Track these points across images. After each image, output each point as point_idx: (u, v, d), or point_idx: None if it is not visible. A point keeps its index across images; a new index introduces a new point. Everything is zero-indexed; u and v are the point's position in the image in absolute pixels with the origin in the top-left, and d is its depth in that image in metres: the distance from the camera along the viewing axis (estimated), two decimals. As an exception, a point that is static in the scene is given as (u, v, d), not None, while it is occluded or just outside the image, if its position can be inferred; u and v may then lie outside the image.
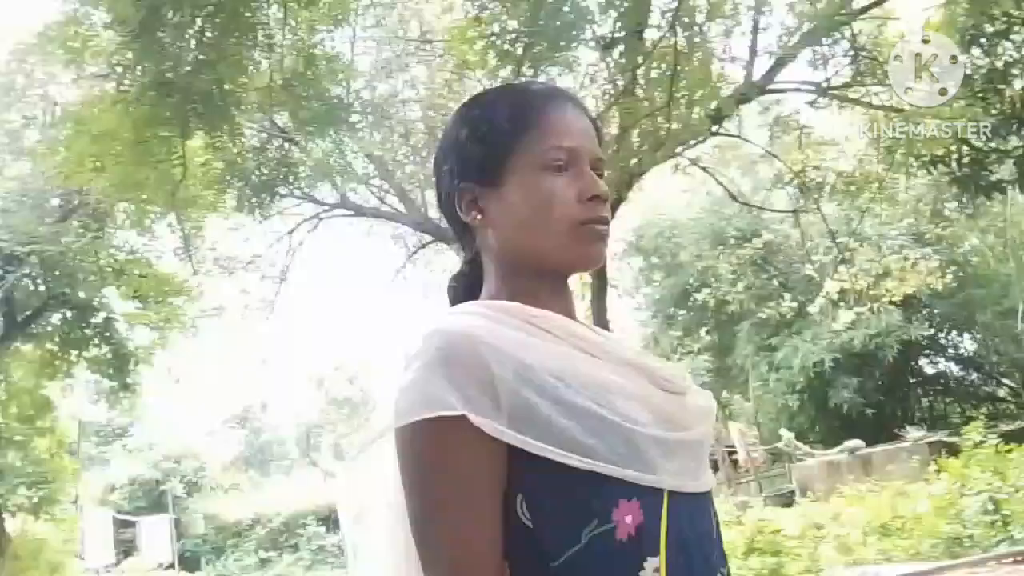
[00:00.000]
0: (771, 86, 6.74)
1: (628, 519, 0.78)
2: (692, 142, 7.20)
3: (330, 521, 18.55)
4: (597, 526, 0.77)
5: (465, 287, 0.97)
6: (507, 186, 0.90)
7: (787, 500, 10.83)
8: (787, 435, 11.93)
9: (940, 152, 6.75)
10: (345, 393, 29.63)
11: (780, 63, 6.62)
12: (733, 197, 8.18)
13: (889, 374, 15.13)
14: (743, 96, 6.58)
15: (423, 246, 10.05)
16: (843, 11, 6.37)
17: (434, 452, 0.77)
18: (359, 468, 0.90)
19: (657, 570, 0.78)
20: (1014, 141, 6.40)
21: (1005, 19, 6.35)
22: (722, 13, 6.61)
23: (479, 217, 0.92)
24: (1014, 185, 6.51)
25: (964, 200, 7.52)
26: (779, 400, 15.53)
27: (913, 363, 15.73)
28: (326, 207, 10.21)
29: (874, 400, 15.02)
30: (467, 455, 0.77)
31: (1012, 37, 6.28)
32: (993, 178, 6.51)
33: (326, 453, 29.17)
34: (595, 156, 0.94)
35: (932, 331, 14.65)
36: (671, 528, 0.80)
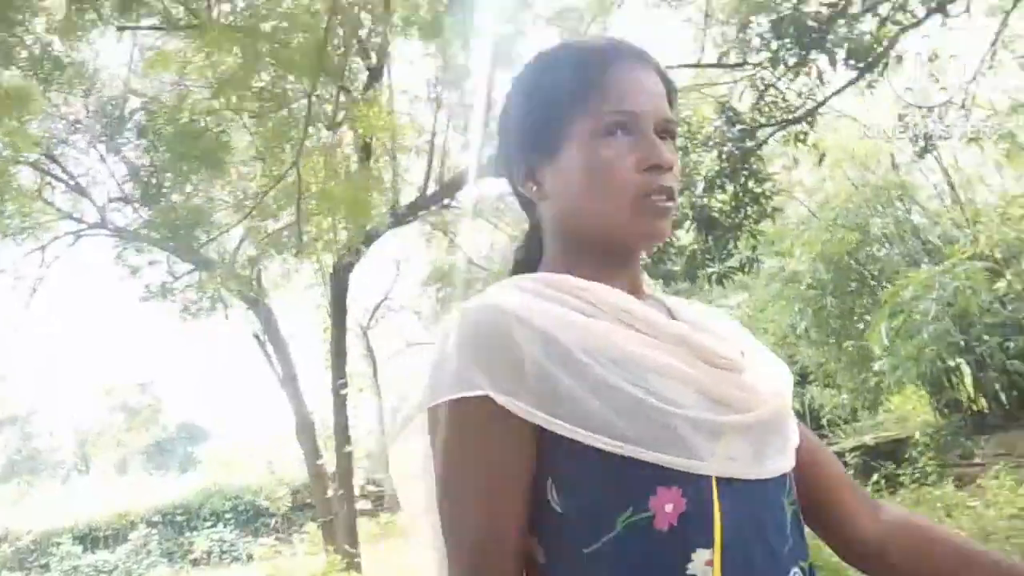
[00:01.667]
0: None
1: (668, 508, 0.72)
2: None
3: (88, 539, 17.63)
4: (632, 513, 0.72)
5: (524, 260, 0.93)
6: (563, 155, 0.84)
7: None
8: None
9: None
10: (128, 403, 28.13)
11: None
12: (470, 260, 9.10)
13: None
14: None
15: (187, 273, 10.11)
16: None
17: (460, 433, 0.74)
18: (404, 445, 0.84)
19: (709, 563, 0.73)
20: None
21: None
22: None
23: (535, 189, 0.87)
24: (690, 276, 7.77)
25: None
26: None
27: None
28: (86, 225, 10.03)
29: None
30: (493, 436, 0.73)
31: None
32: (670, 269, 7.72)
33: (105, 463, 27.40)
34: (662, 118, 0.85)
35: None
36: (727, 518, 0.74)
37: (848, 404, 13.12)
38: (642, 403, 0.73)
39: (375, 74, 6.04)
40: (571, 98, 0.84)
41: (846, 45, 6.62)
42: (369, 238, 7.39)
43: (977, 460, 8.41)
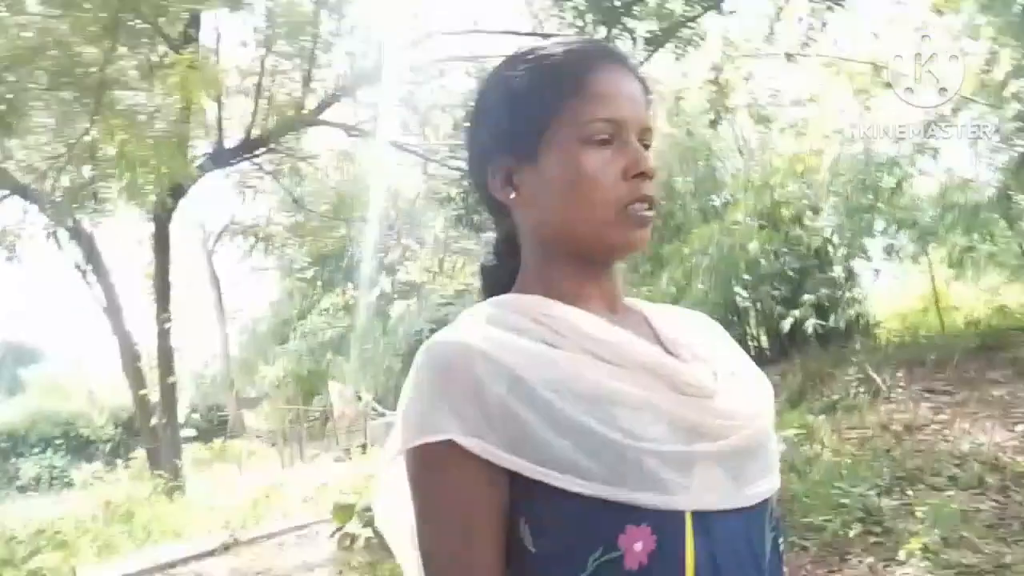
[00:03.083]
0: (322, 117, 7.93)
1: (638, 546, 0.71)
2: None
3: None
4: (603, 553, 0.71)
5: (497, 269, 0.91)
6: (544, 161, 0.82)
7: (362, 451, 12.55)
8: (366, 397, 13.66)
9: (452, 194, 8.56)
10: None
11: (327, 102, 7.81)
12: (295, 200, 9.40)
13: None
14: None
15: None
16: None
17: (429, 477, 0.74)
18: (387, 482, 0.83)
19: None
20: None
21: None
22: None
23: (512, 195, 0.84)
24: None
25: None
26: (385, 362, 17.51)
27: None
28: None
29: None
30: (462, 480, 0.72)
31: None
32: (481, 219, 8.42)
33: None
34: (643, 126, 0.84)
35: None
36: (700, 553, 0.73)
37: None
38: (609, 441, 0.71)
39: (193, 26, 6.15)
40: (553, 102, 0.82)
41: (650, 20, 7.44)
42: (179, 189, 7.54)
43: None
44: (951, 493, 4.33)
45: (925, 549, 3.19)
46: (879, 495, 4.17)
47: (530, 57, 0.85)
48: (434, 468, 0.73)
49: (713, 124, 9.57)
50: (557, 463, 0.70)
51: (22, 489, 16.48)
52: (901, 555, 3.28)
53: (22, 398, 22.34)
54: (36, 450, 17.81)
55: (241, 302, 23.10)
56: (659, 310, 0.92)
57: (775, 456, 0.83)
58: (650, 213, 0.82)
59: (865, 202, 9.96)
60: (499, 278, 0.90)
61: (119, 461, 12.24)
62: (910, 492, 4.49)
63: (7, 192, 9.82)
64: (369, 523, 5.19)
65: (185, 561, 5.69)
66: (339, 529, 5.23)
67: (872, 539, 3.72)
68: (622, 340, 0.79)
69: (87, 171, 6.83)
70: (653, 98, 0.88)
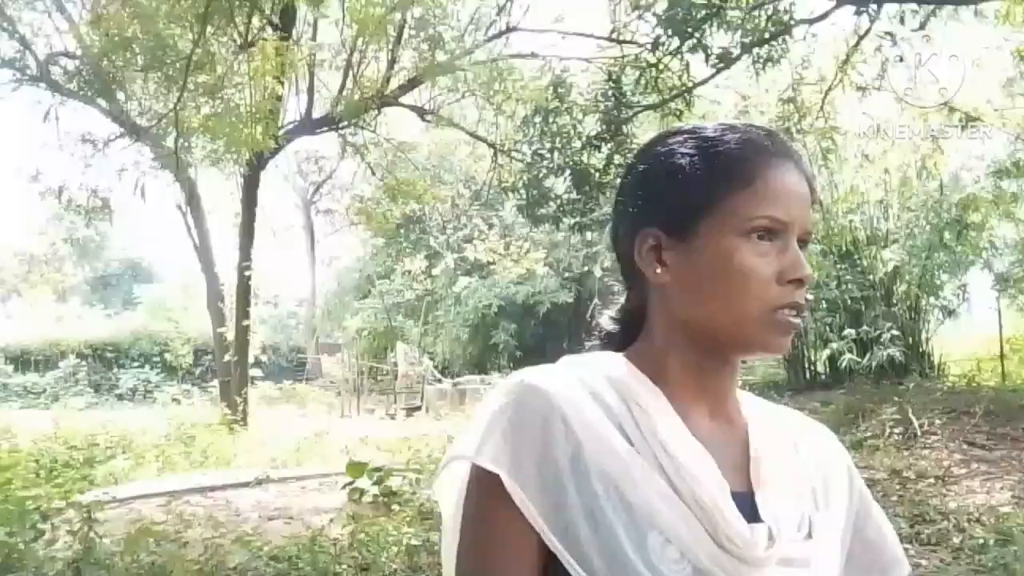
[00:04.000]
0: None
1: None
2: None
3: (19, 361, 18.65)
4: None
5: (617, 336, 0.89)
6: (696, 245, 0.80)
7: (410, 413, 13.32)
8: (427, 362, 14.40)
9: (518, 184, 8.99)
10: (73, 234, 28.58)
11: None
12: (374, 173, 10.04)
13: (544, 325, 18.27)
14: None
15: (116, 138, 10.79)
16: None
17: (477, 496, 0.76)
18: (445, 483, 0.84)
19: None
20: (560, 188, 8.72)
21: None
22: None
23: (658, 269, 0.82)
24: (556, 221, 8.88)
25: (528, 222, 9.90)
26: (454, 331, 18.26)
27: (566, 320, 18.99)
28: (26, 77, 10.60)
29: (530, 345, 18.08)
30: (502, 514, 0.74)
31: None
32: (542, 212, 8.81)
33: (44, 291, 28.20)
34: (805, 229, 0.81)
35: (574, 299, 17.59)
36: None
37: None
38: (624, 561, 0.72)
39: (289, 12, 6.76)
40: (721, 187, 0.80)
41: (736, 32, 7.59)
42: (263, 155, 8.26)
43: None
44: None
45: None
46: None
47: (702, 136, 0.83)
48: (484, 490, 0.75)
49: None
50: (577, 552, 0.72)
51: (120, 397, 18.06)
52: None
53: (132, 313, 24.30)
54: (135, 364, 19.44)
55: (334, 252, 24.39)
56: (771, 424, 0.87)
57: None
58: (797, 321, 0.80)
59: (937, 240, 9.82)
60: (615, 345, 0.88)
61: (198, 388, 13.37)
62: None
63: (123, 132, 10.88)
64: (378, 482, 5.77)
65: (223, 488, 6.43)
66: (350, 483, 5.83)
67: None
68: (690, 464, 0.76)
69: (179, 134, 7.64)
70: (817, 199, 0.86)
